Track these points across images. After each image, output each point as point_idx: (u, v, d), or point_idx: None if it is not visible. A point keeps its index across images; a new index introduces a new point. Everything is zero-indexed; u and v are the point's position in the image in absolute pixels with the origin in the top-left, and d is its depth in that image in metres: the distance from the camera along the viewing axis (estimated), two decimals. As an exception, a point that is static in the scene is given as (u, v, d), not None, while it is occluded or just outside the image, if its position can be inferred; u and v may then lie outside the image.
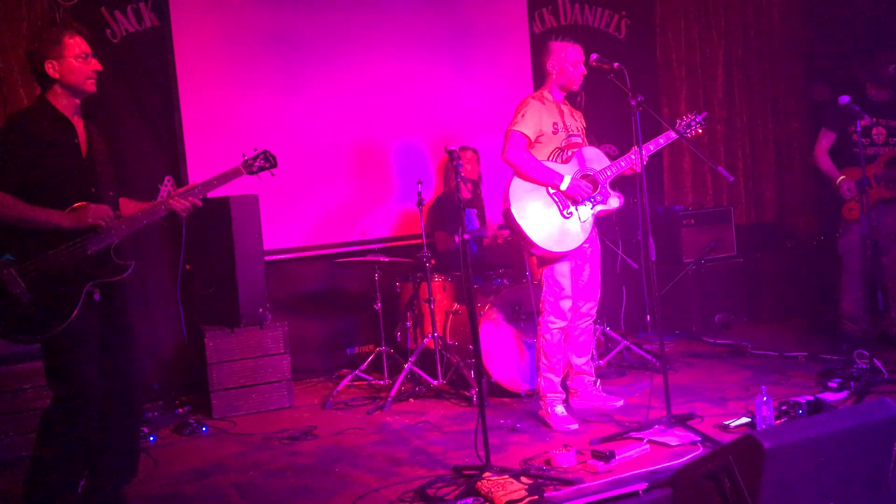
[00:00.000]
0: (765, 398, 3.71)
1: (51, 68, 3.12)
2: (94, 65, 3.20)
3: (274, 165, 3.59)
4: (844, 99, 4.60)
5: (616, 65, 4.16)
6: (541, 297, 4.35)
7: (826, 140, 5.30)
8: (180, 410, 5.05)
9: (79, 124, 3.24)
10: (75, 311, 3.07)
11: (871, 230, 4.82)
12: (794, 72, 7.38)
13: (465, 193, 3.70)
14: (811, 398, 3.92)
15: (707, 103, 7.13)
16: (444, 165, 5.92)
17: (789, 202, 7.46)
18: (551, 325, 4.29)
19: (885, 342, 5.19)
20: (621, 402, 4.41)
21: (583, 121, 4.53)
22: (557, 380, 4.33)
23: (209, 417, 4.87)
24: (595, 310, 4.51)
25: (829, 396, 4.16)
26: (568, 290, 4.29)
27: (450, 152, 3.82)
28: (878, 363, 4.48)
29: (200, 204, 3.39)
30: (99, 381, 3.16)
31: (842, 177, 5.19)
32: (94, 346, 3.17)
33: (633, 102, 3.94)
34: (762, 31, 7.32)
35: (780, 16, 7.34)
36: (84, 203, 3.13)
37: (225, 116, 5.60)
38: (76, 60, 3.15)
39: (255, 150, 3.61)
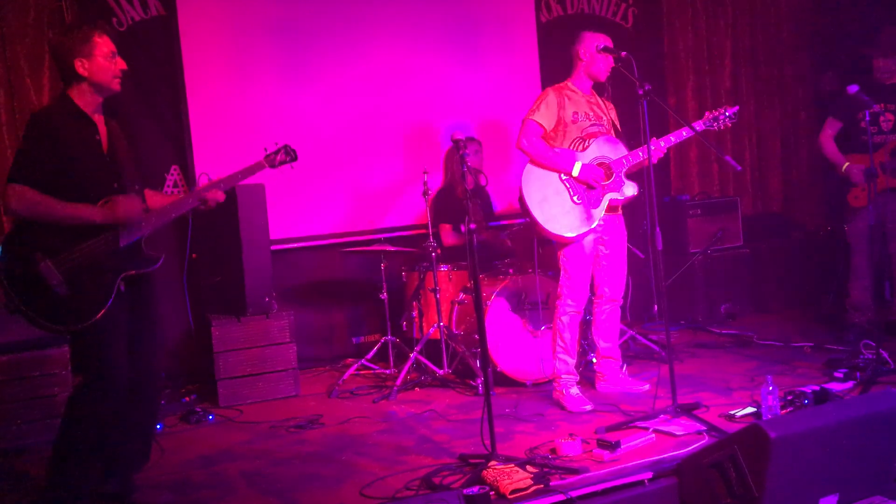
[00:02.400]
0: (770, 388, 3.71)
1: (80, 66, 3.17)
2: (121, 64, 3.26)
3: (295, 159, 3.73)
4: (854, 88, 4.58)
5: (624, 54, 4.17)
6: (559, 280, 4.40)
7: (832, 128, 5.30)
8: (187, 399, 5.07)
9: (100, 121, 3.29)
10: (110, 301, 3.15)
11: (878, 219, 4.81)
12: (802, 62, 7.35)
13: (470, 184, 3.71)
14: (817, 388, 3.92)
15: (714, 93, 7.11)
16: (447, 156, 5.92)
17: (796, 192, 7.44)
18: (567, 308, 4.36)
19: (891, 332, 5.18)
20: (647, 387, 4.43)
21: (613, 113, 4.54)
22: (572, 362, 4.38)
23: (216, 406, 4.89)
24: (621, 294, 4.54)
25: (834, 386, 4.15)
26: (582, 274, 4.34)
27: (456, 142, 3.82)
28: (884, 353, 4.47)
29: (223, 198, 3.50)
30: (125, 368, 3.23)
31: (847, 163, 5.17)
32: (124, 335, 3.24)
33: (641, 92, 3.93)
34: (769, 20, 7.28)
35: (788, 5, 7.30)
36: (114, 197, 3.19)
37: (231, 105, 5.60)
38: (105, 60, 3.21)
39: (276, 144, 3.72)
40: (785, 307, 6.56)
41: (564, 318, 4.37)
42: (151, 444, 3.57)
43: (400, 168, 6.07)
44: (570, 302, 4.36)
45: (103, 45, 3.21)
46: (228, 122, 5.55)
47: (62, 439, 3.20)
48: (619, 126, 4.54)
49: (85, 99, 3.22)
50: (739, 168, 4.25)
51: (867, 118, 4.58)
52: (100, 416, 3.18)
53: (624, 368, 4.68)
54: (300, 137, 5.69)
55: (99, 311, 3.12)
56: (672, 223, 6.35)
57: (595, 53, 4.36)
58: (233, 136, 5.51)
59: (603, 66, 4.39)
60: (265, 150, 3.70)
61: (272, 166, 3.69)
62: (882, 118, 5.12)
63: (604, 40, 4.37)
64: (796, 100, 7.40)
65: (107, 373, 3.18)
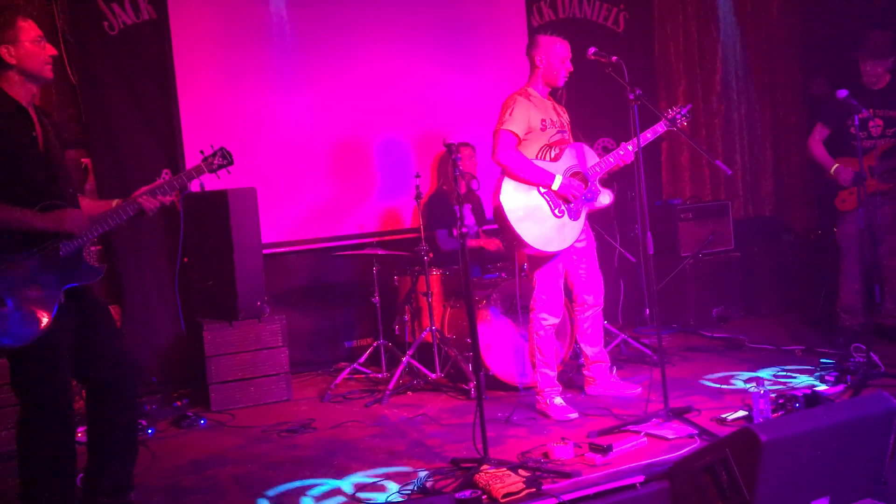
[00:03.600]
0: (762, 391, 3.73)
1: (6, 53, 2.96)
2: (50, 49, 3.07)
3: (231, 163, 3.51)
4: (843, 93, 4.61)
5: (614, 58, 4.15)
6: (533, 295, 4.36)
7: (820, 133, 5.35)
8: (178, 403, 5.05)
9: (34, 114, 3.08)
10: (50, 318, 2.94)
11: (867, 223, 4.83)
12: (792, 66, 7.38)
13: (462, 188, 3.71)
14: (808, 391, 3.93)
15: (705, 97, 7.13)
16: (438, 161, 5.93)
17: (787, 196, 7.46)
18: (543, 322, 4.33)
19: (881, 335, 5.20)
20: (639, 390, 4.40)
21: (567, 116, 4.52)
22: (553, 374, 4.36)
23: (207, 410, 4.88)
24: (601, 298, 4.53)
25: (826, 390, 4.17)
26: (560, 288, 4.32)
27: (448, 146, 3.82)
28: (874, 357, 4.49)
29: (168, 203, 3.29)
30: (70, 385, 3.06)
31: (836, 164, 5.20)
32: (66, 352, 3.05)
33: (632, 96, 3.94)
34: (760, 24, 7.32)
35: (778, 10, 7.33)
36: (62, 209, 3.02)
37: (223, 110, 5.59)
38: (33, 45, 3.00)
39: (212, 146, 3.53)
40: (776, 310, 6.58)
41: (541, 332, 4.33)
42: (136, 436, 3.42)
43: (392, 172, 6.06)
44: (544, 316, 4.32)
45: (29, 29, 3.00)
46: (220, 126, 5.54)
47: (21, 467, 3.04)
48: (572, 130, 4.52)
49: (17, 90, 3.00)
50: (730, 172, 4.27)
51: (856, 123, 4.61)
52: (50, 437, 3.00)
53: (614, 371, 4.68)
54: (292, 140, 5.70)
55: (39, 328, 2.91)
56: (663, 227, 6.36)
57: (551, 59, 4.28)
58: (224, 141, 5.36)
59: (561, 72, 4.31)
60: (201, 152, 3.51)
61: (211, 170, 3.47)
62: (871, 123, 5.15)
63: (561, 46, 4.30)
64: (787, 104, 7.43)
65: (48, 401, 2.99)
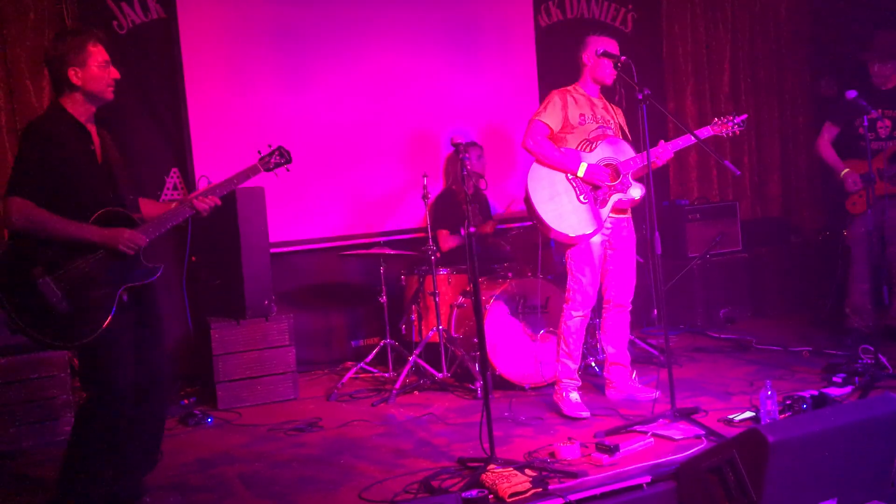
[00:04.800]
0: (769, 392, 3.72)
1: (74, 76, 3.14)
2: (114, 73, 3.24)
3: (289, 161, 3.67)
4: (852, 94, 4.60)
5: (623, 58, 4.17)
6: (567, 285, 4.38)
7: (829, 133, 5.33)
8: (186, 401, 5.06)
9: (93, 131, 3.27)
10: (110, 317, 3.11)
11: (876, 225, 4.82)
12: (801, 67, 7.37)
13: (470, 189, 3.71)
14: (816, 393, 3.92)
15: (713, 97, 7.12)
16: (447, 161, 5.93)
17: (795, 197, 7.45)
18: (574, 313, 4.33)
19: (890, 337, 5.19)
20: (658, 394, 4.28)
21: (621, 117, 4.54)
22: (574, 367, 4.36)
23: (214, 409, 4.89)
24: (629, 299, 4.50)
25: (833, 391, 4.16)
26: (589, 277, 4.31)
27: (456, 146, 3.83)
28: (882, 358, 4.48)
29: (220, 203, 3.46)
30: (132, 379, 3.22)
31: (846, 169, 5.19)
32: (128, 348, 3.22)
33: (640, 96, 3.94)
34: (769, 25, 7.30)
35: (787, 10, 7.32)
36: (122, 225, 3.18)
37: (231, 108, 5.60)
38: (99, 69, 3.18)
39: (270, 146, 3.65)
40: (784, 312, 6.56)
41: (570, 323, 4.33)
42: (160, 447, 3.55)
43: (399, 172, 6.07)
44: (576, 306, 4.33)
45: (98, 54, 3.18)
46: (228, 125, 5.56)
47: (72, 451, 3.19)
48: (627, 130, 4.53)
49: (78, 108, 3.19)
50: (738, 173, 4.26)
51: (865, 124, 4.59)
52: (107, 429, 3.17)
53: (634, 375, 4.62)
54: (300, 141, 5.70)
55: (101, 325, 3.09)
56: (671, 228, 6.35)
57: (597, 58, 4.36)
58: (233, 140, 5.51)
59: (608, 70, 4.37)
60: (259, 152, 3.64)
61: (267, 169, 3.62)
62: (879, 124, 5.13)
63: (607, 44, 4.35)
64: (795, 104, 7.41)
65: (112, 387, 3.15)
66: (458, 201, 5.61)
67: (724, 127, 4.36)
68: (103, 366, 3.15)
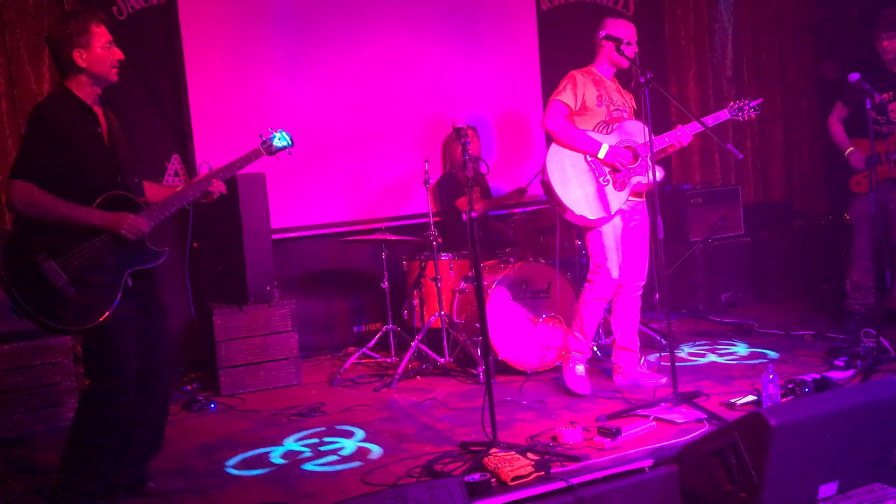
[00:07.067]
0: (771, 376, 3.72)
1: (78, 57, 3.12)
2: (118, 53, 3.21)
3: (291, 144, 3.66)
4: (854, 76, 4.55)
5: (626, 42, 4.13)
6: (590, 267, 4.38)
7: (840, 112, 5.31)
8: (189, 387, 5.08)
9: (99, 112, 3.26)
10: (116, 301, 3.11)
11: (878, 207, 4.80)
12: (804, 50, 7.32)
13: (471, 172, 3.71)
14: (817, 376, 3.92)
15: (715, 81, 7.09)
16: (445, 143, 5.91)
17: (797, 181, 7.43)
18: (593, 294, 4.33)
19: (891, 320, 5.18)
20: (665, 380, 4.26)
21: (633, 102, 4.51)
22: (585, 340, 4.37)
23: (217, 394, 4.90)
24: (641, 283, 4.48)
25: (835, 375, 4.16)
26: (613, 260, 4.29)
27: (457, 129, 3.83)
28: (884, 342, 4.48)
29: (224, 188, 3.46)
30: (135, 366, 3.22)
31: (851, 148, 5.17)
32: (132, 332, 3.21)
33: (643, 80, 3.92)
34: (771, 8, 7.26)
35: (790, -7, 7.28)
36: (125, 209, 3.17)
37: (232, 94, 5.58)
38: (103, 50, 3.16)
39: (271, 130, 3.65)
40: (786, 296, 6.56)
41: (588, 301, 4.34)
42: (163, 434, 3.56)
43: (401, 157, 6.05)
44: (594, 288, 4.31)
45: (101, 35, 3.16)
46: (229, 110, 5.54)
47: (74, 437, 3.19)
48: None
49: (84, 90, 3.17)
50: (741, 156, 4.25)
51: (868, 107, 4.56)
52: (111, 415, 3.17)
53: (643, 361, 4.60)
54: (301, 126, 5.69)
55: (107, 309, 3.09)
56: (673, 212, 6.34)
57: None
58: (233, 125, 5.50)
59: (626, 52, 4.28)
60: (261, 136, 3.64)
61: (270, 153, 3.62)
62: (891, 106, 5.08)
63: (624, 26, 4.31)
64: (798, 89, 7.38)
65: (116, 373, 3.15)
66: (459, 184, 5.59)
67: (740, 111, 4.34)
68: (107, 351, 3.15)
